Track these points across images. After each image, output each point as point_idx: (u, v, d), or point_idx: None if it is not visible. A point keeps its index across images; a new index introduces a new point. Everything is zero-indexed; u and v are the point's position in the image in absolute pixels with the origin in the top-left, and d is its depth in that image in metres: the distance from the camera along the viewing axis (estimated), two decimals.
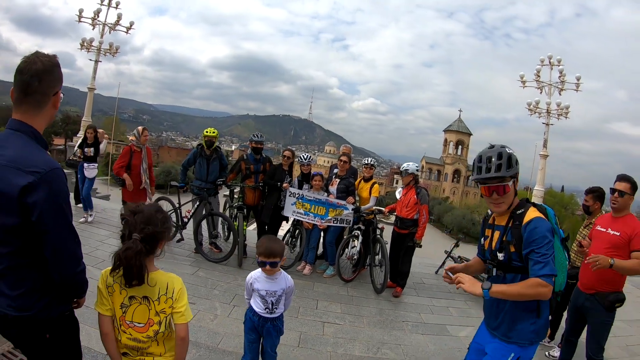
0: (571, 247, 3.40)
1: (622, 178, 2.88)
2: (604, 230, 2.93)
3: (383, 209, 5.39)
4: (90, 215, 5.91)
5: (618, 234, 2.81)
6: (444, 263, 6.13)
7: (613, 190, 2.91)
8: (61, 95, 1.41)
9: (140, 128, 5.62)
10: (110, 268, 1.47)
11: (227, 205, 6.09)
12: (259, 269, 2.27)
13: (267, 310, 2.27)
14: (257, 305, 2.29)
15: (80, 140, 6.40)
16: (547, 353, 3.71)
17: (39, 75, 1.29)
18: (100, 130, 6.35)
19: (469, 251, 9.54)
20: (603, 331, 2.87)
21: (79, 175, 6.24)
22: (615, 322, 2.90)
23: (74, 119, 39.14)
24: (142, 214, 1.46)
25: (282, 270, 2.32)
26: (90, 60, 15.35)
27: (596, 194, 3.58)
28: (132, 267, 1.38)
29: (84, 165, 6.12)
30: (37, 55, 1.33)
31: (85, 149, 6.08)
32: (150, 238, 1.44)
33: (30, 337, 1.36)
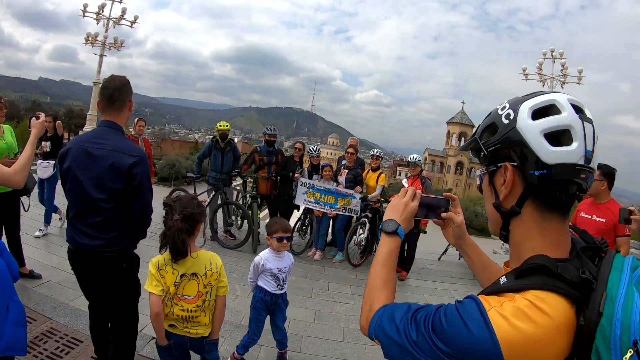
0: None
1: None
2: (589, 217, 3.05)
3: (389, 198, 5.65)
4: (41, 230, 4.57)
5: (604, 220, 2.96)
6: (446, 250, 6.42)
7: None
8: (133, 102, 1.99)
9: (136, 119, 5.82)
10: (157, 256, 1.80)
11: (240, 195, 6.37)
12: (266, 251, 2.57)
13: (278, 286, 2.54)
14: (269, 285, 2.53)
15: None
16: None
17: (119, 88, 1.89)
18: (58, 122, 4.80)
19: None
20: None
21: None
22: None
23: (77, 113, 39.38)
24: (180, 200, 1.81)
25: None
26: (95, 54, 15.55)
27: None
28: (176, 242, 1.69)
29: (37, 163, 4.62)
30: (114, 76, 1.94)
31: (42, 143, 4.56)
32: (189, 218, 1.76)
33: (113, 266, 1.88)
